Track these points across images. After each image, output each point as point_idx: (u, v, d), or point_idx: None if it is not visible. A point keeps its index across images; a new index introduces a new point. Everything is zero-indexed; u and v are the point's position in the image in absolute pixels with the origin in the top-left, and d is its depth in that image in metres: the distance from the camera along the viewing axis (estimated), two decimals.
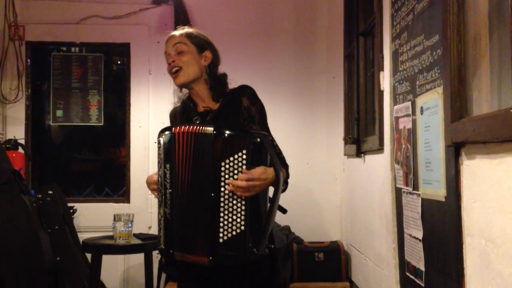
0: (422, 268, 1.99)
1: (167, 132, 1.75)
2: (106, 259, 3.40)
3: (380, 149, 2.71)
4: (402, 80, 2.24)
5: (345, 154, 3.85)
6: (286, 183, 1.83)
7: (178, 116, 2.01)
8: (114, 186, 4.42)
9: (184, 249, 1.67)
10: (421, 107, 1.97)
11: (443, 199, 1.76)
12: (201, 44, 1.92)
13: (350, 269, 3.77)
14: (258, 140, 1.63)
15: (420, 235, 2.01)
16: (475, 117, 1.53)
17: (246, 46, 4.18)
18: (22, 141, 3.95)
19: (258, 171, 1.61)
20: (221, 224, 1.59)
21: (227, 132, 1.64)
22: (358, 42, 3.41)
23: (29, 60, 4.18)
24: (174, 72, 1.89)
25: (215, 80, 1.91)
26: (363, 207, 3.26)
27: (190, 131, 1.68)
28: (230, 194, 1.60)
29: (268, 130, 1.86)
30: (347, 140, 3.65)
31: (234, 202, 1.60)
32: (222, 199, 1.60)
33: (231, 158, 1.61)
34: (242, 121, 1.82)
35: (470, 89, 1.62)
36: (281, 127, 4.09)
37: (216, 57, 1.95)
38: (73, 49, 4.38)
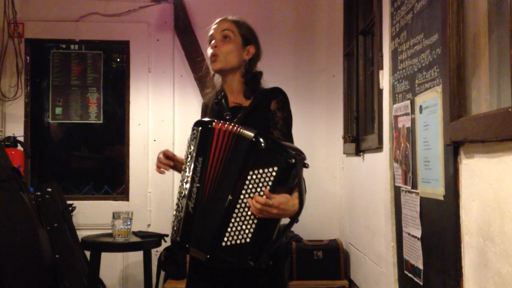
0: (421, 266, 2.00)
1: (207, 126, 1.68)
2: (105, 256, 3.40)
3: (379, 147, 2.71)
4: (401, 79, 2.25)
5: (344, 153, 3.85)
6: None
7: (209, 108, 1.94)
8: (113, 183, 4.43)
9: (199, 246, 1.66)
10: (420, 106, 1.97)
11: (441, 198, 1.76)
12: (248, 37, 1.89)
13: (349, 268, 3.77)
14: (293, 161, 1.56)
15: (418, 233, 2.01)
16: (474, 116, 1.53)
17: None
18: (21, 139, 3.95)
19: (280, 200, 1.54)
20: (229, 229, 1.58)
21: (266, 143, 1.58)
22: (357, 40, 3.41)
23: (28, 58, 4.17)
24: (213, 57, 1.83)
25: (251, 77, 1.88)
26: (362, 205, 3.27)
27: (231, 131, 1.63)
28: (248, 205, 1.57)
29: (290, 138, 1.82)
30: (346, 139, 3.65)
31: (249, 213, 1.57)
32: (238, 206, 1.57)
33: (260, 171, 1.55)
34: (268, 125, 1.79)
35: (469, 88, 1.62)
36: None
37: (258, 54, 1.92)
38: (72, 46, 4.38)
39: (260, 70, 1.94)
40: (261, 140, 1.58)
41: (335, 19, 4.06)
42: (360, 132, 3.40)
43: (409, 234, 2.15)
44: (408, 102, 2.13)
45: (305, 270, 3.71)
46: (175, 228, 1.71)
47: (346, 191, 3.89)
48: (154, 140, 4.15)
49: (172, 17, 4.16)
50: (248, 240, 1.57)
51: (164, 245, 3.51)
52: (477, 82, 1.61)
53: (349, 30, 3.73)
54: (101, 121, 4.34)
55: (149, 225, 4.06)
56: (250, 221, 1.57)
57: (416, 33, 2.05)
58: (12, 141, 3.79)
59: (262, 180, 1.55)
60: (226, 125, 1.64)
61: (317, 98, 4.20)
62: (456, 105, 1.62)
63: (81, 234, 3.61)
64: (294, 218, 1.60)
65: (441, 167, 1.76)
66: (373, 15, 2.93)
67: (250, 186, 1.56)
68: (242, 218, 1.57)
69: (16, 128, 4.07)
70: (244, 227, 1.57)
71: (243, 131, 1.62)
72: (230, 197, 1.58)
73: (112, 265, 4.00)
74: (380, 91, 2.67)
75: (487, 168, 1.42)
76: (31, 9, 4.13)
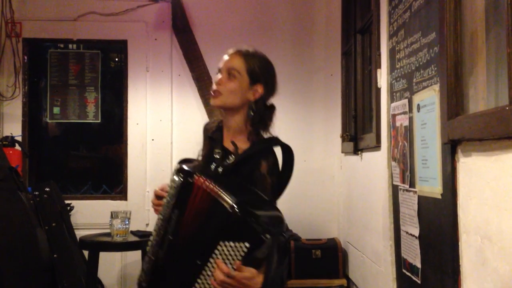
0: (419, 265, 2.00)
1: (188, 179, 1.60)
2: (103, 256, 3.40)
3: (377, 146, 2.71)
4: (399, 78, 2.25)
5: (342, 152, 3.85)
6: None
7: (207, 136, 1.86)
8: (112, 183, 4.42)
9: None
10: (418, 105, 1.97)
11: (439, 196, 1.76)
12: (257, 75, 1.74)
13: (347, 266, 3.78)
14: (267, 237, 1.47)
15: (416, 232, 2.01)
16: (472, 114, 1.53)
17: (243, 43, 4.17)
18: (19, 138, 3.94)
19: (244, 275, 1.48)
20: None
21: (242, 215, 1.48)
22: (355, 39, 3.41)
23: (26, 57, 4.16)
24: (214, 92, 1.73)
25: (259, 117, 1.74)
26: (360, 204, 3.27)
27: (210, 192, 1.54)
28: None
29: (274, 202, 1.71)
30: (344, 138, 3.65)
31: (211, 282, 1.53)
32: (204, 272, 1.52)
33: (232, 244, 1.48)
34: (253, 184, 1.67)
35: (466, 86, 1.62)
36: (279, 124, 4.09)
37: (269, 92, 1.76)
38: (70, 46, 4.38)
39: (272, 104, 1.80)
40: (238, 211, 1.48)
41: (333, 17, 4.06)
42: (358, 131, 3.40)
43: (407, 232, 2.15)
44: (406, 100, 2.13)
45: (303, 269, 3.71)
46: (144, 271, 1.70)
47: (344, 190, 3.89)
48: (152, 140, 4.15)
49: (170, 16, 4.16)
50: None
51: None
52: (474, 81, 1.61)
53: (347, 28, 3.73)
54: (99, 121, 4.34)
55: (147, 225, 4.06)
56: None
57: (414, 31, 2.05)
58: (10, 141, 3.79)
59: (231, 253, 1.49)
60: (207, 184, 1.56)
61: (315, 97, 4.20)
62: (453, 104, 1.62)
63: (79, 233, 3.61)
64: None
65: (438, 166, 1.76)
66: (371, 14, 2.93)
67: (220, 256, 1.49)
68: (207, 286, 1.53)
69: (14, 128, 4.06)
70: None
71: (223, 196, 1.51)
72: (198, 261, 1.52)
73: (110, 265, 3.99)
74: (378, 90, 2.67)
75: (484, 166, 1.42)
76: (29, 8, 4.12)
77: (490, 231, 1.38)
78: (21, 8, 4.10)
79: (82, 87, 4.31)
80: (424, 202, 1.94)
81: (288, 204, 4.34)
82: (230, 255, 1.49)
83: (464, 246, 1.57)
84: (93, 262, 3.23)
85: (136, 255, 3.61)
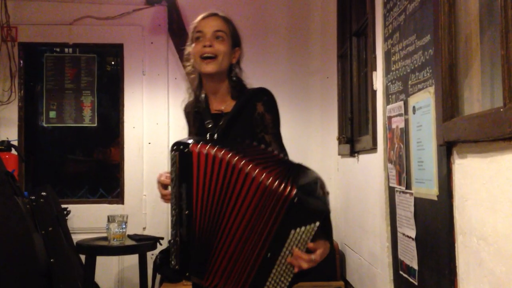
0: (415, 266, 2.00)
1: (184, 150, 1.52)
2: (100, 260, 3.40)
3: (373, 148, 2.72)
4: (395, 80, 2.26)
5: (339, 154, 3.86)
6: None
7: (191, 115, 1.84)
8: (108, 187, 4.42)
9: (201, 275, 1.56)
10: (413, 107, 1.98)
11: (435, 198, 1.77)
12: (236, 39, 1.78)
13: (344, 269, 3.78)
14: (329, 209, 1.48)
15: (413, 234, 2.02)
16: (467, 116, 1.54)
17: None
18: (15, 143, 3.94)
19: (320, 252, 1.49)
20: (267, 283, 1.50)
21: (306, 199, 1.44)
22: (351, 42, 3.42)
23: (22, 61, 4.16)
24: (207, 58, 1.69)
25: (238, 79, 1.77)
26: (357, 206, 3.27)
27: (248, 172, 1.45)
28: (286, 260, 1.49)
29: (281, 140, 1.75)
30: (341, 140, 3.66)
31: (286, 268, 1.51)
32: (277, 261, 1.48)
33: (303, 228, 1.44)
34: (255, 129, 1.69)
35: (461, 88, 1.63)
36: None
37: (242, 56, 1.82)
38: (66, 50, 4.37)
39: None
40: (303, 197, 1.42)
41: (329, 21, 4.07)
42: (354, 133, 3.41)
43: (403, 234, 2.15)
44: (402, 103, 2.13)
45: (301, 272, 3.70)
46: (173, 256, 1.58)
47: (341, 192, 3.89)
48: (149, 143, 4.14)
49: (166, 19, 4.16)
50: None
51: (159, 248, 3.51)
52: (469, 83, 1.62)
53: (342, 31, 3.75)
54: (96, 124, 4.33)
55: (144, 228, 4.05)
56: (286, 275, 1.51)
57: (409, 34, 2.06)
58: (6, 145, 3.78)
59: (304, 236, 1.46)
60: (208, 149, 1.49)
61: (312, 100, 4.21)
62: (448, 106, 1.63)
63: (76, 238, 3.60)
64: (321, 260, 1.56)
65: (434, 168, 1.77)
66: (366, 17, 2.94)
67: (292, 243, 1.46)
68: (280, 274, 1.50)
69: (10, 132, 4.05)
70: (282, 278, 1.51)
71: (284, 187, 1.43)
72: (268, 254, 1.46)
73: (107, 269, 3.99)
74: (374, 92, 2.68)
75: (480, 168, 1.43)
76: (24, 13, 4.12)
77: (486, 232, 1.39)
78: (17, 12, 4.10)
79: (78, 91, 4.31)
80: (420, 204, 1.95)
81: None
82: (302, 237, 1.46)
83: (460, 248, 1.58)
84: (90, 266, 3.22)
85: (133, 259, 3.60)
